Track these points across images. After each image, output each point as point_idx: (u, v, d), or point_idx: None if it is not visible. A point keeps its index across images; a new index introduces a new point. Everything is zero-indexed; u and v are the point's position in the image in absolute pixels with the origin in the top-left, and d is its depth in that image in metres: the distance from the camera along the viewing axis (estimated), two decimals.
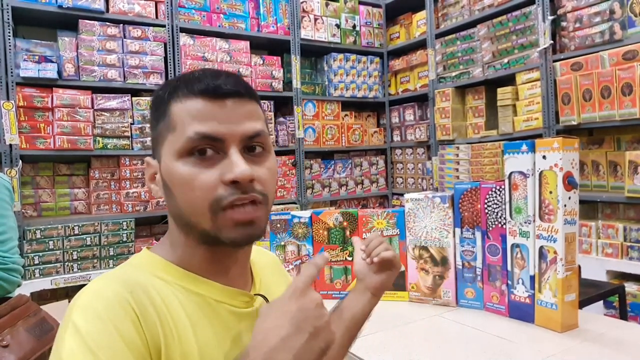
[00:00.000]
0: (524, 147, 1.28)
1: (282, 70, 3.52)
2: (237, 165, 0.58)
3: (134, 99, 2.99)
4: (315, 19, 3.66)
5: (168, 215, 0.66)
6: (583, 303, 1.59)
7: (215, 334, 0.61)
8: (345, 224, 1.61)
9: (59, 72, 2.77)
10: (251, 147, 0.62)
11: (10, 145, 2.59)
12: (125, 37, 2.96)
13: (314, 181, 3.69)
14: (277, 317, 0.53)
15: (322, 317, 0.53)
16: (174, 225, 0.65)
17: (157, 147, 0.65)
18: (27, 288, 2.52)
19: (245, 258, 0.69)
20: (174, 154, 0.60)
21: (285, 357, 0.50)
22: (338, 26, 3.79)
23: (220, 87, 0.60)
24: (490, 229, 1.39)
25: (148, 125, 3.00)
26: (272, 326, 0.52)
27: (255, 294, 0.68)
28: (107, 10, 2.92)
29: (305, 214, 1.65)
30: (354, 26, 3.91)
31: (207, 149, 0.59)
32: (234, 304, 0.64)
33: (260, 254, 0.81)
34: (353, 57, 3.86)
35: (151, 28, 3.04)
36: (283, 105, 3.70)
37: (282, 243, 1.66)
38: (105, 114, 2.90)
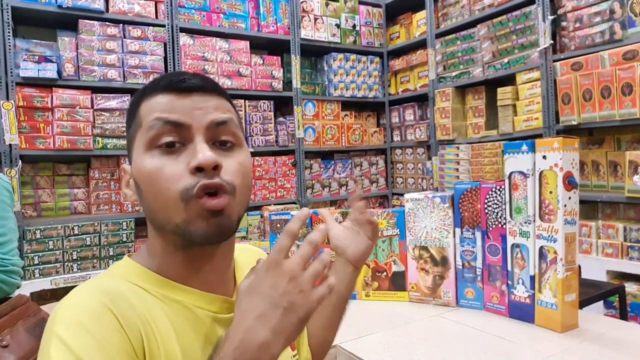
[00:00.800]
0: (524, 147, 1.28)
1: (282, 70, 3.52)
2: (201, 151, 0.57)
3: None
4: (315, 19, 3.66)
5: (146, 220, 0.65)
6: (583, 303, 1.59)
7: (198, 340, 0.60)
8: None
9: (59, 72, 2.77)
10: (222, 141, 0.61)
11: (10, 145, 2.59)
12: (125, 37, 2.96)
13: (314, 181, 3.69)
14: (251, 296, 0.53)
15: (296, 289, 0.52)
16: (151, 231, 0.64)
17: (130, 151, 0.64)
18: (27, 288, 2.52)
19: (223, 262, 0.66)
20: (141, 148, 0.60)
21: (263, 334, 0.51)
22: (338, 26, 3.79)
23: (184, 81, 0.60)
24: (490, 229, 1.39)
25: None
26: (247, 307, 0.53)
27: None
28: (107, 10, 2.92)
29: None
30: (354, 26, 3.91)
31: (172, 141, 0.59)
32: (214, 310, 0.63)
33: (246, 252, 0.79)
34: (353, 57, 3.86)
35: (151, 28, 3.04)
36: (283, 105, 3.70)
37: None
38: (105, 114, 2.90)
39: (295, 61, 3.55)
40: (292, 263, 0.53)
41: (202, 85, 0.61)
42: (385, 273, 1.57)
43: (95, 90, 2.88)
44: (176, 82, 0.60)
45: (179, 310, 0.60)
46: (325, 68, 3.82)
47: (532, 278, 1.28)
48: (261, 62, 3.45)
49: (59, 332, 0.50)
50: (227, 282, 0.68)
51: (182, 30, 3.14)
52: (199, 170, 0.57)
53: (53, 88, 2.76)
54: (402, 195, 3.85)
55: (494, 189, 1.38)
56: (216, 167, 0.58)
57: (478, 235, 1.42)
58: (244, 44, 3.36)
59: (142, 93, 0.63)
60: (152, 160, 0.58)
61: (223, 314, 0.64)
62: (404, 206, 1.55)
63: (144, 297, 0.58)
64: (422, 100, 3.85)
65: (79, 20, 2.82)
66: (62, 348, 0.49)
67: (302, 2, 3.61)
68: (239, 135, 0.64)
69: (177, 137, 0.59)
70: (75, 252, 2.76)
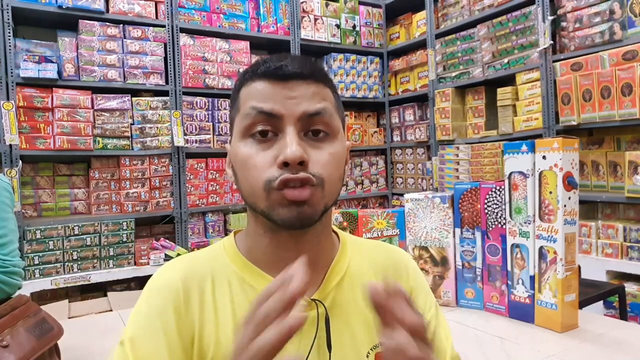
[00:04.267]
0: (524, 147, 1.28)
1: None
2: (289, 145, 0.58)
3: (134, 99, 2.99)
4: (315, 19, 3.67)
5: None
6: (583, 303, 1.58)
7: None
8: (345, 224, 1.61)
9: (59, 72, 2.77)
10: (315, 131, 0.61)
11: (10, 146, 2.60)
12: (125, 37, 2.96)
13: None
14: None
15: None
16: (248, 211, 0.66)
17: (231, 132, 0.67)
18: (27, 288, 2.52)
19: (313, 253, 0.64)
20: (238, 135, 0.63)
21: None
22: (338, 26, 3.79)
23: (281, 68, 0.60)
24: (490, 229, 1.39)
25: (148, 125, 3.02)
26: None
27: (312, 299, 0.63)
28: (107, 10, 2.93)
29: None
30: (354, 26, 3.91)
31: (266, 130, 0.60)
32: None
33: (377, 252, 0.74)
34: (353, 57, 3.86)
35: (151, 28, 3.04)
36: None
37: None
38: (105, 114, 2.90)
39: None
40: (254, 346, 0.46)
41: (300, 72, 0.61)
42: None
43: (96, 90, 2.89)
44: (273, 70, 0.61)
45: (249, 296, 0.62)
46: (325, 68, 3.82)
47: (532, 278, 1.28)
48: None
49: (141, 297, 0.63)
50: (313, 277, 0.64)
51: (182, 30, 3.14)
52: (285, 164, 0.58)
53: (53, 88, 2.76)
54: (402, 195, 3.85)
55: (493, 189, 1.38)
56: (302, 163, 0.58)
57: (478, 235, 1.42)
58: (244, 44, 3.36)
59: (243, 77, 0.65)
60: (246, 148, 0.61)
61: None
62: (403, 206, 1.55)
63: (221, 278, 0.64)
64: (422, 100, 3.85)
65: (79, 20, 2.82)
66: (136, 310, 0.62)
67: (302, 3, 3.62)
68: (333, 125, 0.63)
69: (270, 127, 0.60)
70: (76, 252, 2.76)
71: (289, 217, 0.59)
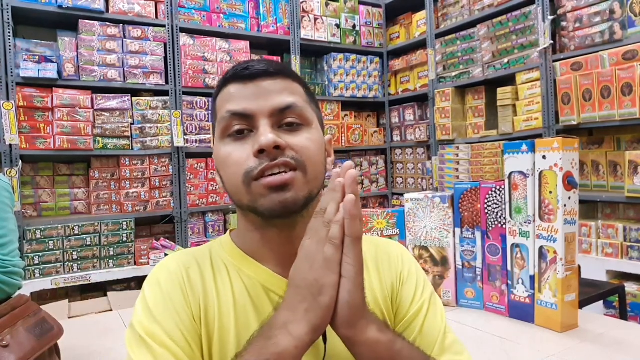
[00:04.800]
0: (524, 147, 1.28)
1: None
2: (262, 134, 0.60)
3: (134, 99, 2.99)
4: (315, 19, 3.66)
5: None
6: (583, 303, 1.58)
7: (258, 321, 0.61)
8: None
9: (59, 72, 2.77)
10: (289, 123, 0.63)
11: (10, 145, 2.60)
12: (125, 37, 2.96)
13: None
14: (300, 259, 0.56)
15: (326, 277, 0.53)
16: (237, 210, 0.68)
17: (213, 140, 0.69)
18: (27, 288, 2.52)
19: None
20: (217, 138, 0.65)
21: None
22: (338, 26, 3.79)
23: (248, 68, 0.63)
24: (490, 229, 1.39)
25: (148, 125, 3.03)
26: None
27: None
28: (107, 10, 2.93)
29: None
30: (354, 26, 3.91)
31: (241, 129, 0.62)
32: (281, 293, 0.62)
33: (371, 246, 0.75)
34: (353, 57, 3.86)
35: (151, 28, 3.04)
36: None
37: None
38: (105, 114, 2.90)
39: (295, 61, 3.55)
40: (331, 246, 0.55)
41: (266, 69, 0.63)
42: None
43: (96, 90, 2.89)
44: (240, 71, 0.64)
45: (247, 286, 0.64)
46: (325, 68, 3.82)
47: (532, 278, 1.28)
48: None
49: (145, 285, 0.64)
50: None
51: (182, 30, 3.14)
52: (261, 152, 0.59)
53: (53, 88, 2.76)
54: (402, 195, 3.85)
55: (493, 189, 1.38)
56: (278, 147, 0.59)
57: (478, 235, 1.42)
58: (244, 44, 3.36)
59: (218, 86, 0.68)
60: (225, 147, 0.63)
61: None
62: (403, 206, 1.55)
63: (220, 269, 0.66)
64: (422, 100, 3.85)
65: (79, 20, 2.82)
66: (142, 297, 0.63)
67: (302, 2, 3.62)
68: (306, 115, 0.64)
69: (246, 125, 0.62)
70: (76, 252, 2.76)
71: (271, 206, 0.59)
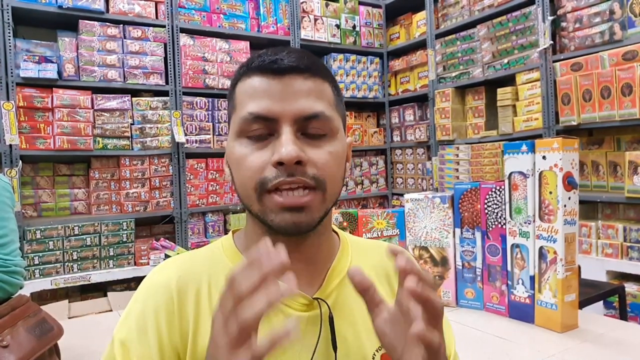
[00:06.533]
0: (524, 148, 1.28)
1: None
2: (284, 145, 0.55)
3: (134, 99, 2.99)
4: (315, 19, 3.67)
5: None
6: (583, 303, 1.59)
7: (261, 332, 0.55)
8: (345, 224, 1.61)
9: (59, 73, 2.77)
10: (313, 133, 0.58)
11: (10, 146, 2.60)
12: (125, 37, 2.96)
13: None
14: None
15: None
16: (246, 212, 0.64)
17: (229, 129, 0.64)
18: (27, 288, 2.52)
19: (311, 254, 0.62)
20: (233, 134, 0.61)
21: None
22: (338, 26, 3.79)
23: (276, 61, 0.57)
24: (490, 229, 1.39)
25: (148, 125, 3.02)
26: None
27: (314, 298, 0.61)
28: (107, 10, 2.93)
29: None
30: (354, 26, 3.91)
31: (262, 133, 0.58)
32: (289, 304, 0.59)
33: (378, 252, 0.71)
34: (353, 57, 3.86)
35: (151, 28, 3.04)
36: None
37: None
38: (105, 114, 2.90)
39: None
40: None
41: (296, 65, 0.58)
42: None
43: (96, 90, 2.89)
44: (268, 63, 0.58)
45: None
46: None
47: (532, 278, 1.28)
48: None
49: (131, 300, 0.61)
50: (314, 277, 0.63)
51: (182, 30, 3.14)
52: (280, 164, 0.55)
53: (53, 88, 2.76)
54: (402, 195, 3.85)
55: (493, 189, 1.38)
56: (300, 162, 0.55)
57: (478, 235, 1.42)
58: (244, 45, 3.36)
59: (238, 72, 0.62)
60: (241, 148, 0.59)
61: (294, 309, 0.60)
62: (403, 206, 1.55)
63: (218, 278, 0.60)
64: (422, 100, 3.85)
65: (79, 20, 2.82)
66: (125, 312, 0.60)
67: (302, 3, 3.62)
68: (331, 125, 0.59)
69: (266, 130, 0.58)
70: (76, 253, 2.76)
71: (284, 225, 0.56)
